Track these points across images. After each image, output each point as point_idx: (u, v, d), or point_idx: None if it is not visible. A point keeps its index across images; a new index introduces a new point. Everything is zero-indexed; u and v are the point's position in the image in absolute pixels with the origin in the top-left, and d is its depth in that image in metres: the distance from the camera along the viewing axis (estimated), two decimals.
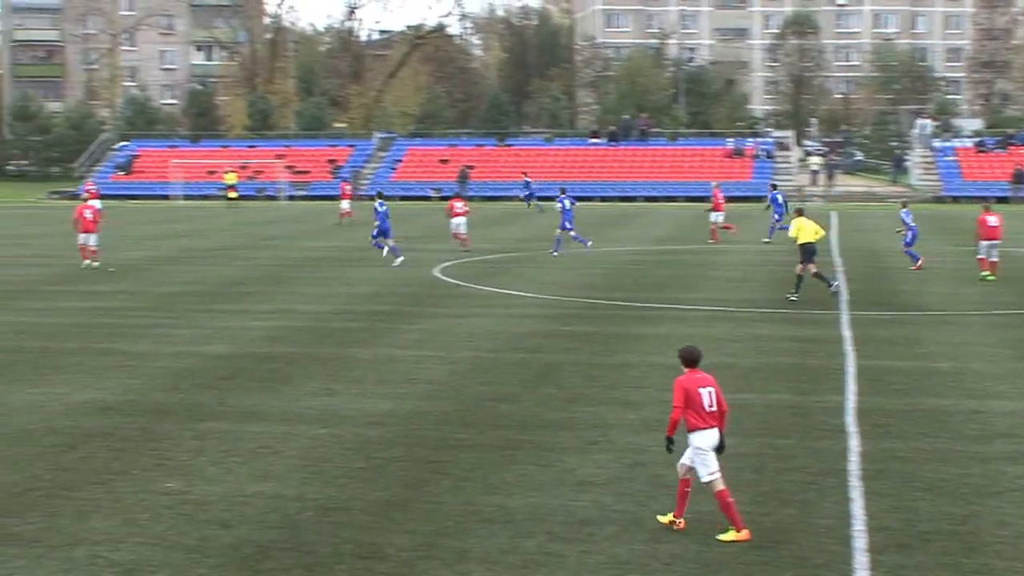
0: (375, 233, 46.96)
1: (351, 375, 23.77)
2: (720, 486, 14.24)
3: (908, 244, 43.36)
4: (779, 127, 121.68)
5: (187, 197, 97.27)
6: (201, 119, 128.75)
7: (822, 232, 35.96)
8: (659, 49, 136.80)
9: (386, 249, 46.34)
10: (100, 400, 21.48)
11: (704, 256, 47.51)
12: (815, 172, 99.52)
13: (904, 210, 44.54)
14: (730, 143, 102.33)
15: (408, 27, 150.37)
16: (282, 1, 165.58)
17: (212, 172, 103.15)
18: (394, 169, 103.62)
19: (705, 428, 14.21)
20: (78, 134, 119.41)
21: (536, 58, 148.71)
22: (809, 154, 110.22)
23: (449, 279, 40.02)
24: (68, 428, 19.41)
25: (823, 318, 31.31)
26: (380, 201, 47.50)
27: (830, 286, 35.17)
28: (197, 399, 21.62)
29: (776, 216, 55.49)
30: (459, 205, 51.71)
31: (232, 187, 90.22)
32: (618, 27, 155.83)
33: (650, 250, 51.31)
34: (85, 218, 44.85)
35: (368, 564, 13.50)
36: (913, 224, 43.54)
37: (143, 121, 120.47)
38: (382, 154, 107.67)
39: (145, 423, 19.75)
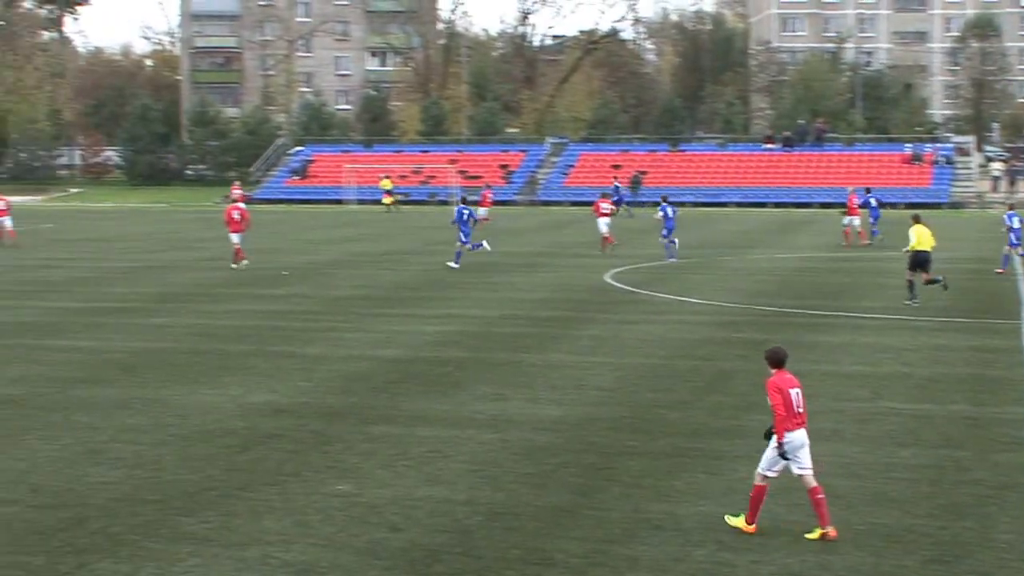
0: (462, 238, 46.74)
1: (521, 380, 23.85)
2: (762, 483, 14.60)
3: (1013, 245, 43.05)
4: (959, 132, 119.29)
5: (360, 202, 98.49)
6: (375, 124, 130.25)
7: (934, 241, 35.64)
8: (835, 53, 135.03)
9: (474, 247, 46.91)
10: (274, 402, 21.84)
11: (879, 263, 46.73)
12: (996, 178, 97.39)
13: (1010, 212, 44.42)
14: (908, 149, 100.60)
15: (581, 32, 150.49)
16: (456, 7, 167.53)
17: (386, 177, 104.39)
18: (566, 174, 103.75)
19: (793, 429, 14.39)
20: (254, 139, 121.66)
21: (710, 63, 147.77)
22: (990, 160, 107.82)
23: (620, 285, 39.94)
24: (242, 429, 19.77)
25: (1003, 327, 30.62)
26: (462, 205, 48.02)
27: (942, 284, 35.39)
28: (369, 402, 21.86)
29: (872, 219, 56.58)
30: (604, 206, 52.78)
31: (388, 193, 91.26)
32: (794, 31, 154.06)
33: (825, 257, 50.64)
34: (233, 219, 46.38)
35: (537, 570, 13.51)
36: (1017, 227, 42.91)
37: (318, 126, 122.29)
38: (554, 159, 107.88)
39: (318, 426, 20.04)
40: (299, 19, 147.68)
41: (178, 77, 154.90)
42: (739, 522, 14.74)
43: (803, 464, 14.47)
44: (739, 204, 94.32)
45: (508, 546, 14.19)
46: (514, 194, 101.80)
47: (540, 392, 22.74)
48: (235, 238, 46.41)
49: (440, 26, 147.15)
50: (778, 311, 33.79)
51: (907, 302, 34.30)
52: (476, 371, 24.80)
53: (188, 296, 37.45)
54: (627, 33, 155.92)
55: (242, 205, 48.87)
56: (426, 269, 45.35)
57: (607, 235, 52.42)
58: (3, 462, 17.72)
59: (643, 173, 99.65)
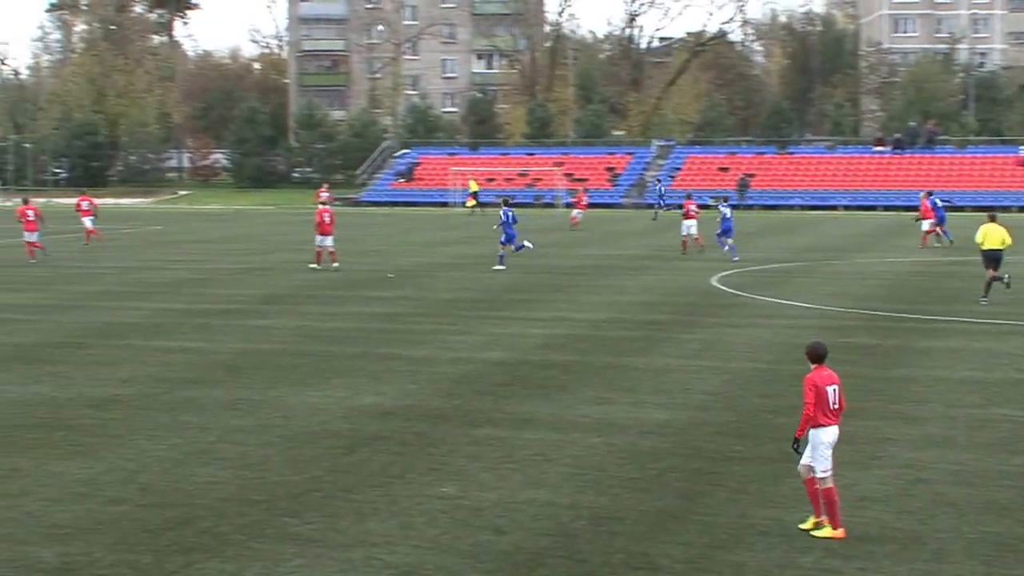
0: (503, 239, 47.77)
1: (626, 384, 23.79)
2: (830, 483, 14.51)
3: None
4: None
5: (465, 204, 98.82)
6: (481, 127, 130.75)
7: (1009, 241, 35.82)
8: (948, 54, 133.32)
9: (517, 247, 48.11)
10: (380, 404, 21.97)
11: None
12: None
13: None
14: (1022, 151, 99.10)
15: (688, 34, 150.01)
16: (563, 9, 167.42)
17: (491, 180, 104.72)
18: (673, 177, 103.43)
19: (828, 425, 14.50)
20: (360, 142, 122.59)
21: (819, 64, 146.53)
22: None
23: (726, 288, 39.73)
24: (348, 431, 19.90)
25: None
26: (506, 208, 49.10)
27: (1006, 283, 35.93)
28: (474, 405, 21.92)
29: (938, 219, 57.67)
30: (693, 208, 53.81)
31: (473, 195, 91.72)
32: (905, 32, 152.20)
33: (936, 261, 50.01)
34: (324, 222, 47.09)
35: (641, 575, 13.48)
36: None
37: (424, 129, 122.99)
38: (661, 162, 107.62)
39: (423, 428, 20.12)
40: (406, 22, 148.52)
41: (285, 80, 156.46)
42: (826, 532, 14.57)
43: (827, 466, 14.58)
44: (848, 207, 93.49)
45: (612, 551, 14.16)
46: (620, 197, 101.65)
47: (645, 396, 22.68)
48: (327, 241, 47.10)
49: (547, 28, 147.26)
50: (888, 315, 33.42)
51: (982, 302, 34.91)
52: (581, 374, 24.77)
53: (294, 298, 37.79)
54: (735, 35, 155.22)
55: (330, 208, 49.33)
56: (532, 272, 45.38)
57: (696, 236, 53.32)
58: (113, 462, 17.98)
59: (750, 176, 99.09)
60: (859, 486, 16.67)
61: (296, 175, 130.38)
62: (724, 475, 17.23)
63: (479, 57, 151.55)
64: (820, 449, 14.54)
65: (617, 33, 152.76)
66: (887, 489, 16.57)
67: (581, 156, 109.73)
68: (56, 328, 31.62)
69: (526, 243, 48.90)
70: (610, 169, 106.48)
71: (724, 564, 13.72)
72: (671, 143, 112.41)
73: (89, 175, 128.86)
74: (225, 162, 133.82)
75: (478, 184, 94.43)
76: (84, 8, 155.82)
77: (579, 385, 23.64)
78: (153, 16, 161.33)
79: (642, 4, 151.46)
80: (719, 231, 51.59)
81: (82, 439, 19.38)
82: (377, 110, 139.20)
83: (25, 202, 54.18)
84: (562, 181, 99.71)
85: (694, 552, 14.09)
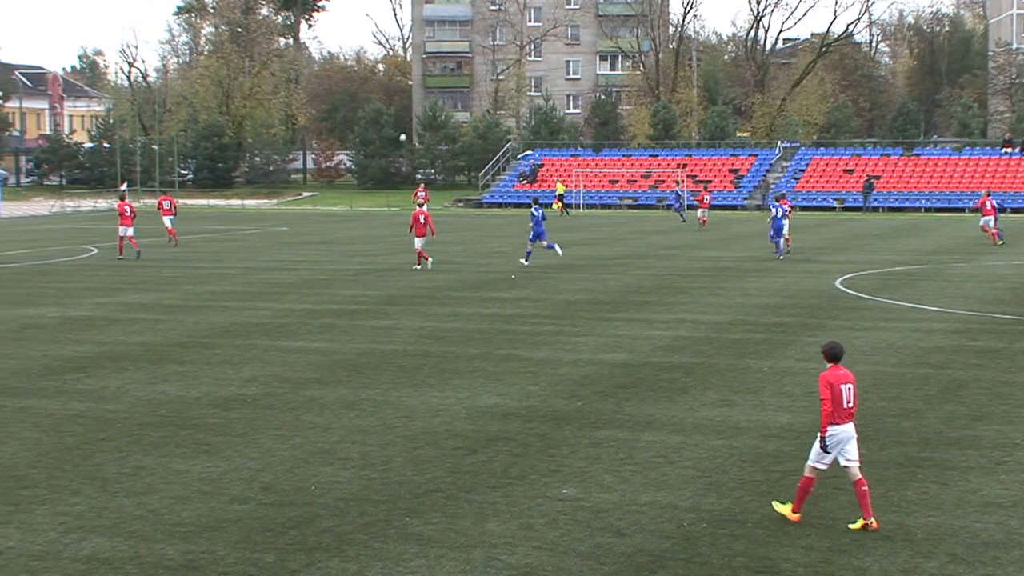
0: (531, 236, 49.06)
1: (749, 386, 23.64)
2: (809, 473, 15.05)
3: None
4: None
5: (588, 206, 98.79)
6: (604, 128, 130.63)
7: None
8: None
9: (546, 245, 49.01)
10: (501, 405, 22.03)
11: None
12: None
13: None
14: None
15: (814, 35, 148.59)
16: (687, 11, 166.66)
17: (614, 181, 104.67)
18: (797, 179, 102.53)
19: (841, 423, 14.80)
20: (484, 143, 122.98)
21: (947, 65, 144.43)
22: None
23: (851, 291, 39.31)
24: (469, 432, 19.97)
25: None
26: (536, 206, 50.14)
27: None
28: (595, 407, 21.90)
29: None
30: (785, 207, 54.12)
31: (559, 198, 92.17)
32: None
33: None
34: (419, 223, 47.71)
35: None
36: None
37: (547, 130, 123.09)
38: (785, 163, 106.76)
39: (544, 429, 20.14)
40: (530, 24, 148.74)
41: (409, 82, 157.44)
42: (786, 510, 15.23)
43: (850, 457, 14.94)
44: (975, 210, 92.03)
45: (733, 553, 14.07)
46: (743, 198, 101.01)
47: (768, 399, 22.52)
48: (418, 242, 47.77)
49: (671, 30, 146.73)
50: (1015, 319, 32.86)
51: None
52: (703, 376, 24.66)
53: (416, 299, 38.02)
54: (861, 35, 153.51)
55: (426, 209, 50.25)
56: (654, 273, 45.27)
57: (786, 236, 53.78)
58: (237, 461, 18.22)
59: (876, 178, 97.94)
60: (984, 491, 16.42)
61: (419, 176, 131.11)
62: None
63: (603, 59, 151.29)
64: (819, 443, 14.96)
65: (742, 34, 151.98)
66: (1012, 495, 16.29)
67: (704, 158, 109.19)
68: (182, 328, 32.11)
69: (556, 247, 49.27)
70: (734, 171, 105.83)
71: (846, 569, 13.58)
72: (796, 144, 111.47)
73: (215, 176, 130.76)
74: (349, 163, 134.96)
75: (565, 186, 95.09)
76: (211, 11, 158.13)
77: (701, 387, 23.54)
78: (279, 19, 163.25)
79: (767, 5, 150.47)
80: (772, 232, 52.97)
81: (207, 438, 19.66)
82: (500, 112, 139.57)
83: (122, 199, 58.11)
84: (686, 183, 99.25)
85: (816, 556, 13.96)
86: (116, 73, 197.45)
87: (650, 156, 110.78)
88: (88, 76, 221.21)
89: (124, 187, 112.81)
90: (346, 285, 42.08)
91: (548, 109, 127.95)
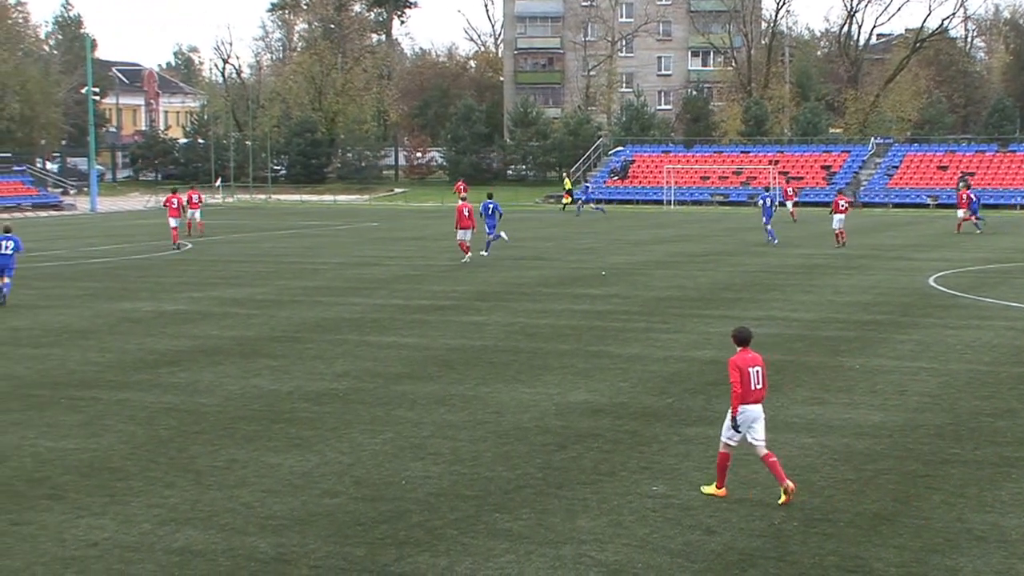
0: (489, 229, 50.99)
1: (840, 384, 23.46)
2: (724, 449, 16.07)
3: None
4: None
5: (679, 202, 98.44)
6: (695, 124, 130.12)
7: None
8: None
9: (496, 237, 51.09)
10: (591, 401, 22.02)
11: None
12: None
13: None
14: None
15: (908, 30, 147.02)
16: (780, 6, 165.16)
17: (705, 178, 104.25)
18: (890, 176, 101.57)
19: (749, 404, 15.74)
20: (575, 139, 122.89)
21: None
22: None
23: (944, 289, 38.89)
24: (559, 428, 19.98)
25: None
26: (489, 200, 52.00)
27: None
28: (685, 404, 21.84)
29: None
30: (842, 203, 56.82)
31: (568, 192, 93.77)
32: None
33: None
34: (464, 216, 48.81)
35: None
36: None
37: (638, 127, 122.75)
38: (878, 160, 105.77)
39: (634, 426, 20.11)
40: (621, 19, 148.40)
41: (501, 78, 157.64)
42: (711, 489, 16.13)
43: (756, 436, 15.87)
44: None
45: (824, 552, 13.97)
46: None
47: (860, 397, 22.33)
48: (467, 234, 48.94)
49: (763, 25, 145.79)
50: None
51: None
52: (794, 374, 24.50)
53: (506, 294, 38.07)
54: (956, 31, 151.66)
55: (470, 203, 51.19)
56: (745, 270, 45.03)
57: (839, 230, 56.12)
58: (328, 455, 18.33)
59: (970, 174, 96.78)
60: None
61: (511, 173, 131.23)
62: (940, 478, 16.88)
63: (694, 54, 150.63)
64: (728, 420, 15.87)
65: (835, 30, 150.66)
66: None
67: (796, 154, 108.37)
68: (274, 322, 32.38)
69: (503, 234, 51.23)
70: (826, 167, 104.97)
71: (939, 569, 13.44)
72: (889, 141, 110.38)
73: (307, 172, 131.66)
74: (440, 160, 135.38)
75: (571, 182, 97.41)
76: (304, 8, 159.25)
77: (792, 385, 23.39)
78: (371, 15, 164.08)
79: (861, 0, 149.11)
80: (765, 218, 57.85)
81: (298, 432, 19.81)
82: (591, 108, 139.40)
83: (173, 192, 61.59)
84: (778, 180, 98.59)
85: (908, 556, 13.83)
86: (210, 69, 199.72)
87: (741, 153, 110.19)
88: (183, 73, 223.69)
89: (218, 183, 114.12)
90: (437, 281, 42.22)
91: (639, 105, 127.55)
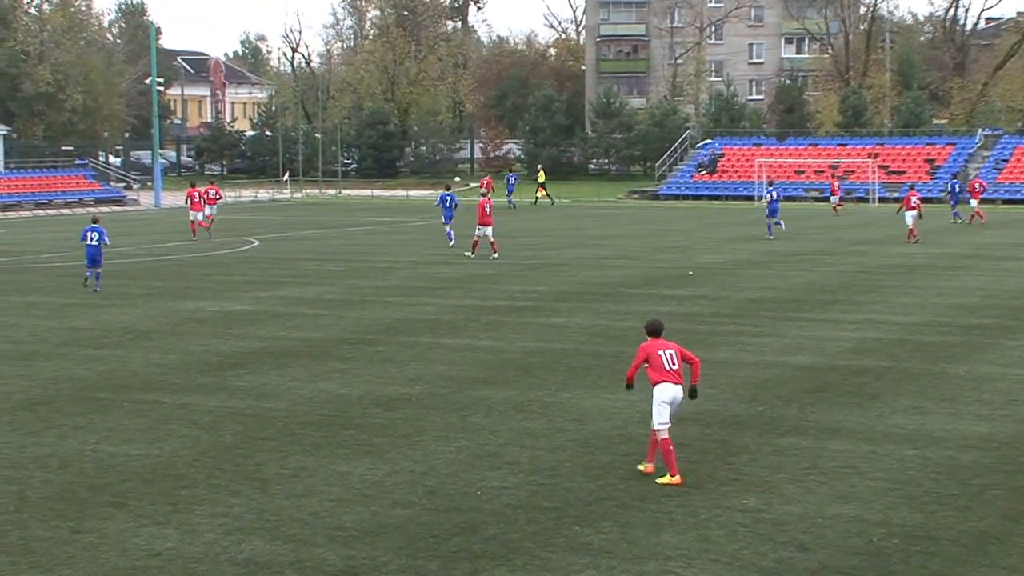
0: (445, 220, 56.08)
1: (944, 393, 23.24)
2: (664, 435, 17.35)
3: None
4: None
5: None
6: (789, 115, 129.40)
7: None
8: None
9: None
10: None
11: None
12: None
13: None
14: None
15: (1020, 14, 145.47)
16: None
17: (800, 172, 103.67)
18: (999, 170, 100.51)
19: (661, 382, 17.48)
20: (660, 131, 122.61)
21: None
22: None
23: None
24: (643, 436, 19.85)
25: None
26: (446, 192, 57.26)
27: None
28: (778, 412, 21.72)
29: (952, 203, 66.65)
30: (914, 199, 57.64)
31: (542, 186, 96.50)
32: None
33: None
34: (484, 212, 50.35)
35: None
36: None
37: (728, 118, 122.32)
38: (986, 153, 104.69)
39: (723, 435, 20.02)
40: (710, 4, 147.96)
41: (582, 67, 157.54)
42: (667, 479, 17.25)
43: (663, 419, 17.43)
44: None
45: (927, 572, 13.84)
46: (939, 190, 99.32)
47: (965, 407, 22.11)
48: (487, 231, 50.40)
49: (862, 9, 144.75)
50: None
51: None
52: (895, 382, 24.31)
53: (588, 295, 38.04)
54: None
55: (491, 199, 52.76)
56: (841, 270, 44.74)
57: (910, 227, 57.13)
58: (400, 463, 18.38)
59: None
60: None
61: (593, 166, 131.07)
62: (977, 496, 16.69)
63: (788, 41, 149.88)
64: (656, 404, 17.44)
65: (939, 14, 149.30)
66: None
67: (898, 147, 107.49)
68: (344, 323, 32.53)
69: (451, 233, 55.61)
70: (930, 161, 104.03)
71: None
72: (998, 132, 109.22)
73: (379, 166, 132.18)
74: (518, 152, 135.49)
75: (545, 175, 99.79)
76: None
77: (892, 393, 23.20)
78: (447, 1, 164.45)
79: None
80: (768, 212, 60.33)
81: (369, 439, 19.88)
82: (678, 98, 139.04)
83: (192, 185, 66.34)
84: (877, 174, 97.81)
85: None
86: (279, 59, 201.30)
87: (838, 145, 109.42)
88: (250, 62, 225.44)
89: (286, 177, 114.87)
90: (514, 280, 42.26)
91: (729, 95, 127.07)
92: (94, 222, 41.16)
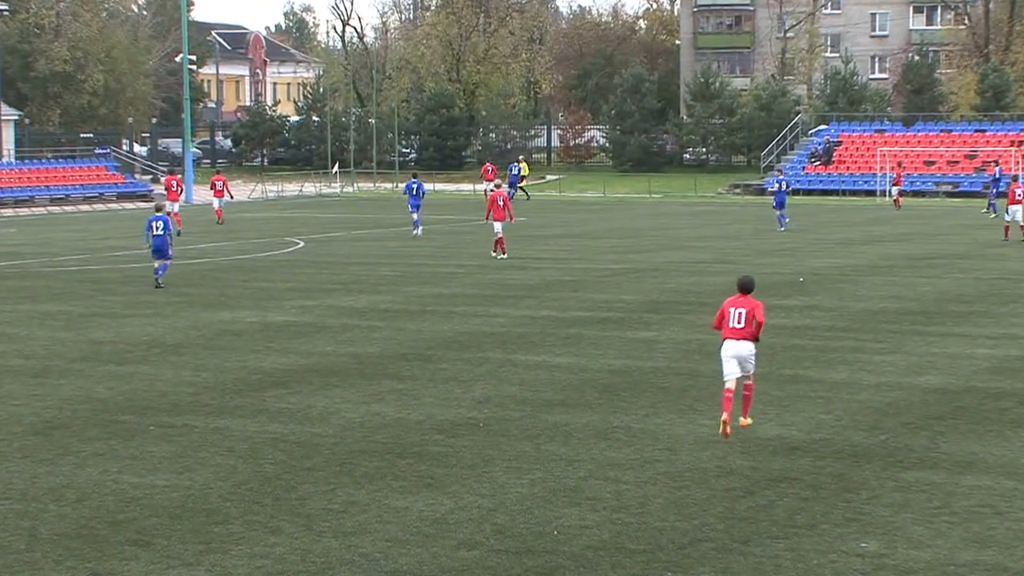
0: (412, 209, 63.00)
1: None
2: (730, 386, 21.73)
3: None
4: None
5: (900, 193, 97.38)
6: (917, 97, 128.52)
7: None
8: None
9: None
10: (785, 437, 21.87)
11: None
12: None
13: None
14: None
15: None
16: None
17: (930, 163, 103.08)
18: None
19: (727, 339, 21.96)
20: (767, 116, 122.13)
21: None
22: None
23: None
24: (746, 469, 19.86)
25: None
26: (414, 179, 65.06)
27: None
28: (903, 442, 21.59)
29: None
30: (1019, 192, 58.83)
31: (523, 178, 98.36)
32: None
33: None
34: (498, 206, 51.74)
35: None
36: None
37: (846, 100, 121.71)
38: None
39: (838, 468, 19.93)
40: None
41: (677, 42, 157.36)
42: (735, 422, 21.93)
43: (727, 372, 21.92)
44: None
45: None
46: None
47: None
48: (498, 227, 51.81)
49: None
50: None
51: None
52: None
53: (682, 305, 37.99)
54: None
55: (504, 191, 54.46)
56: (979, 277, 44.49)
57: (1022, 224, 58.23)
58: (465, 498, 18.41)
59: None
60: None
61: (688, 156, 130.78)
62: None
63: (917, 10, 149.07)
64: (723, 359, 22.01)
65: None
66: None
67: None
68: (401, 337, 32.63)
69: (418, 222, 62.53)
70: None
71: None
72: None
73: (442, 156, 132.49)
74: (602, 140, 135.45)
75: (527, 168, 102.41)
76: None
77: None
78: None
79: None
80: (775, 203, 66.63)
81: (430, 469, 19.93)
82: (788, 77, 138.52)
83: (171, 173, 75.41)
84: (1022, 165, 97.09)
85: None
86: (327, 33, 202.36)
87: (976, 132, 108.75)
88: (295, 37, 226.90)
89: (335, 169, 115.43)
90: (597, 287, 42.26)
91: (848, 74, 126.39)
92: (158, 211, 44.73)
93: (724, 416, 21.48)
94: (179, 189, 68.47)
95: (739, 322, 21.74)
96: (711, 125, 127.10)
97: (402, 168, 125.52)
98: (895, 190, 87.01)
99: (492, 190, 54.51)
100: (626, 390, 25.89)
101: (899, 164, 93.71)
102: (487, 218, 52.97)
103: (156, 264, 43.29)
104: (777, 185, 67.47)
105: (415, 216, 62.66)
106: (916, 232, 64.78)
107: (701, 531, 16.93)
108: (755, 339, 21.94)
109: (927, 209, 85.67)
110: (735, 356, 21.77)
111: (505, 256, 51.17)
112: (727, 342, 21.83)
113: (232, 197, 74.99)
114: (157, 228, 42.98)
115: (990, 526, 17.05)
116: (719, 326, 22.09)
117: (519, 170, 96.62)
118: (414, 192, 63.23)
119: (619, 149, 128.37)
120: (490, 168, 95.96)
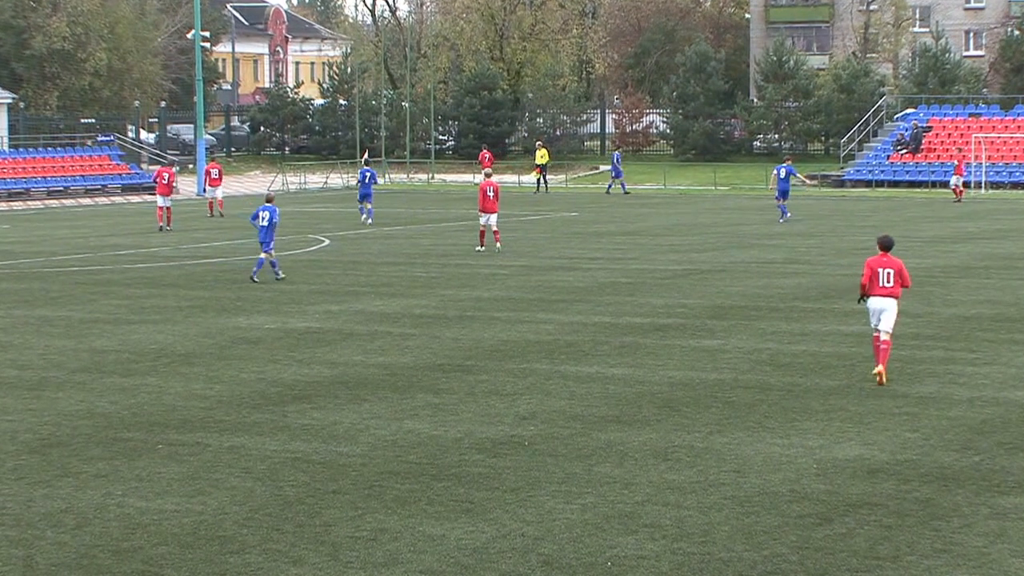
0: (359, 197, 68.45)
1: None
2: (880, 334, 27.10)
3: None
4: None
5: (992, 184, 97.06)
6: (1017, 77, 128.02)
7: None
8: None
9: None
10: (867, 458, 21.85)
11: None
12: None
13: None
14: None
15: None
16: None
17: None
18: None
19: (873, 296, 27.14)
20: (847, 99, 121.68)
21: None
22: None
23: None
24: (822, 494, 19.85)
25: None
26: (366, 168, 70.40)
27: None
28: (999, 463, 21.56)
29: None
30: None
31: (539, 168, 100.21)
32: None
33: None
34: (488, 197, 53.29)
35: None
36: None
37: (937, 81, 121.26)
38: None
39: (926, 493, 19.91)
40: None
41: (747, 15, 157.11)
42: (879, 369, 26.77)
43: (882, 326, 27.16)
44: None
45: None
46: None
47: None
48: (491, 219, 53.39)
49: None
50: None
51: None
52: None
53: (751, 310, 37.95)
54: None
55: (495, 182, 55.05)
56: None
57: None
58: (509, 524, 18.46)
59: None
60: None
61: (759, 144, 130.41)
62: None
63: None
64: (871, 312, 27.26)
65: None
66: None
67: None
68: (437, 345, 32.70)
69: (368, 211, 67.28)
70: None
71: None
72: None
73: (483, 143, 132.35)
74: (663, 126, 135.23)
75: (547, 155, 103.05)
76: None
77: None
78: None
79: None
80: (777, 193, 69.61)
81: (469, 493, 19.98)
82: (872, 55, 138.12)
83: (166, 165, 78.82)
84: None
85: None
86: (356, 6, 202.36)
87: None
88: (320, 11, 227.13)
89: (365, 158, 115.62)
90: (656, 291, 42.26)
91: (939, 51, 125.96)
92: (268, 201, 46.53)
93: (879, 368, 26.82)
94: (170, 182, 70.32)
95: (888, 281, 26.91)
96: (784, 109, 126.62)
97: (438, 158, 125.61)
98: (956, 180, 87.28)
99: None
100: (688, 405, 25.90)
101: (959, 151, 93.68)
102: (479, 209, 54.17)
103: (261, 257, 45.27)
104: (777, 172, 70.53)
105: (368, 206, 68.26)
106: (1014, 228, 64.55)
107: (772, 562, 16.95)
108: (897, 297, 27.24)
109: (559, 196, 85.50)
110: (881, 310, 27.04)
111: (499, 247, 53.01)
112: (875, 298, 27.06)
113: (178, 192, 79.21)
114: (264, 218, 44.91)
115: None
116: (867, 283, 27.04)
117: (618, 158, 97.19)
118: (365, 180, 68.86)
119: (681, 136, 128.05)
120: (487, 156, 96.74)
